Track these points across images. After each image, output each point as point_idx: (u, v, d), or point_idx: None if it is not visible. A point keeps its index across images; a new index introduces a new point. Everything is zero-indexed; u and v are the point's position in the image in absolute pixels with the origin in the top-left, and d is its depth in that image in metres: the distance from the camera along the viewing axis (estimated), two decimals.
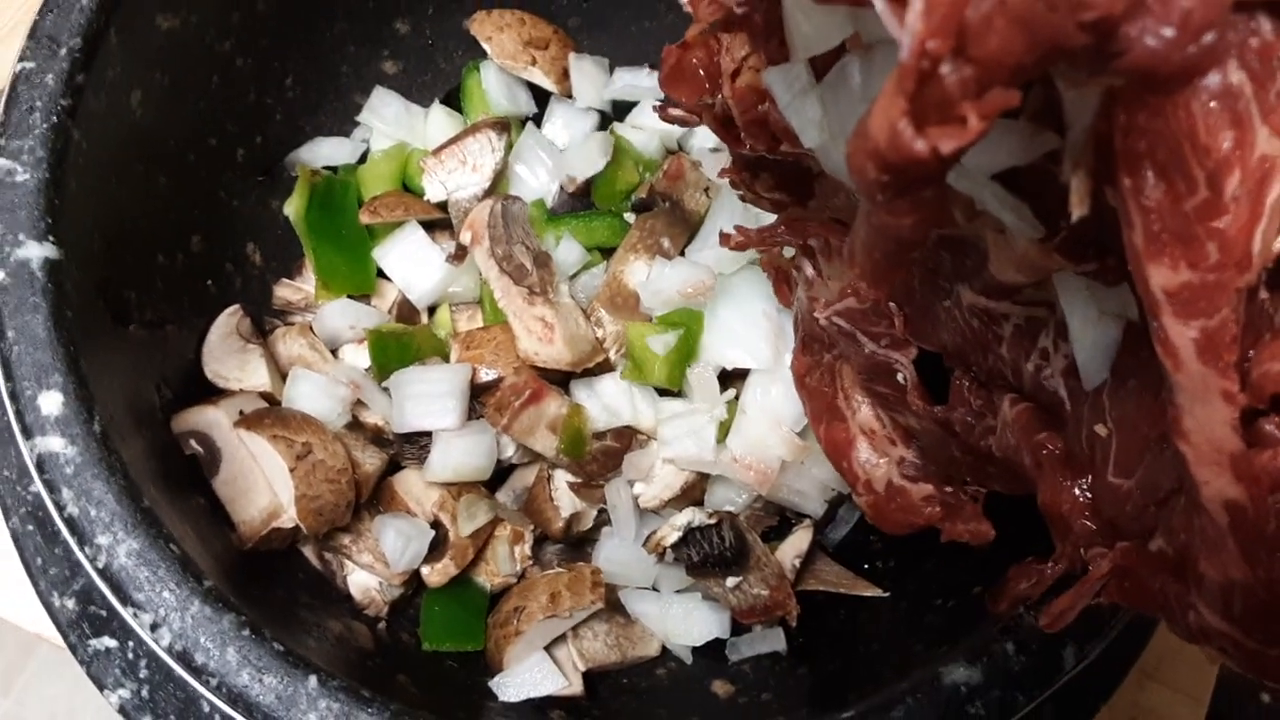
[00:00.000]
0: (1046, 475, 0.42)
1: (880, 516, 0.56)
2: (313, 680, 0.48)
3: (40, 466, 0.51)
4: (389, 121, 0.81)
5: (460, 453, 0.68)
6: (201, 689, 0.49)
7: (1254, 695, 0.96)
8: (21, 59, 0.56)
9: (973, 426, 0.49)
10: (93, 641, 0.55)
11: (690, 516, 0.67)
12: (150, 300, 0.65)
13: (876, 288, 0.34)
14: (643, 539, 0.69)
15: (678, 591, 0.70)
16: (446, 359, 0.72)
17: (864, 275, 0.34)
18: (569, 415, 0.69)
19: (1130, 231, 0.27)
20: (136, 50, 0.61)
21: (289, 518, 0.63)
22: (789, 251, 0.60)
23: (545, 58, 0.83)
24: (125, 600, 0.49)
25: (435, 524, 0.68)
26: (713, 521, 0.67)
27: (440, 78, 0.85)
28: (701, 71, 0.48)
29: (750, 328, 0.70)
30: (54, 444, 0.51)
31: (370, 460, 0.69)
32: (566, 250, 0.75)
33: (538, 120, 0.84)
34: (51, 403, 0.51)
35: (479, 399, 0.70)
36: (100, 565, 0.49)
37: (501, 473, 0.72)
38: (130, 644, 0.54)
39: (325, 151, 0.80)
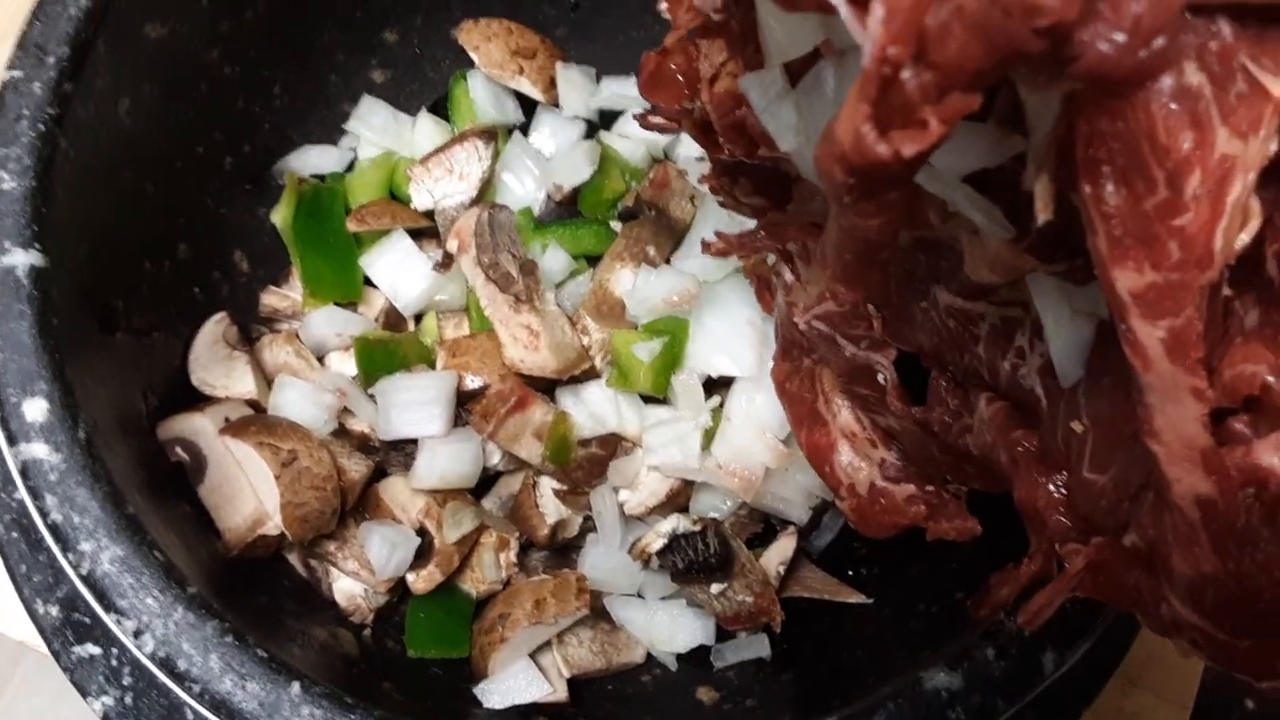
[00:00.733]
0: (1022, 472, 0.43)
1: (863, 520, 0.56)
2: (296, 687, 0.48)
3: (24, 473, 0.51)
4: (376, 130, 0.81)
5: (446, 460, 0.68)
6: (184, 696, 0.49)
7: (1238, 701, 0.97)
8: (9, 67, 0.57)
9: (950, 426, 0.49)
10: (76, 648, 0.55)
11: (675, 523, 0.67)
12: (137, 308, 0.65)
13: (848, 289, 0.35)
14: (628, 546, 0.69)
15: (663, 598, 0.70)
16: (433, 366, 0.72)
17: (835, 277, 0.35)
18: (555, 422, 0.69)
19: (1094, 237, 0.28)
20: (125, 59, 0.61)
21: (274, 525, 0.63)
22: (772, 259, 0.60)
23: (532, 67, 0.83)
24: (109, 607, 0.49)
25: (421, 531, 0.68)
26: (698, 528, 0.67)
27: (428, 87, 0.85)
28: (680, 77, 0.49)
29: (735, 335, 0.71)
30: (38, 451, 0.51)
31: (356, 467, 0.69)
32: (553, 258, 0.76)
33: (525, 129, 0.84)
34: (36, 410, 0.51)
35: (465, 406, 0.70)
36: (84, 572, 0.50)
37: (487, 480, 0.72)
38: (114, 651, 0.54)
39: (313, 160, 0.80)
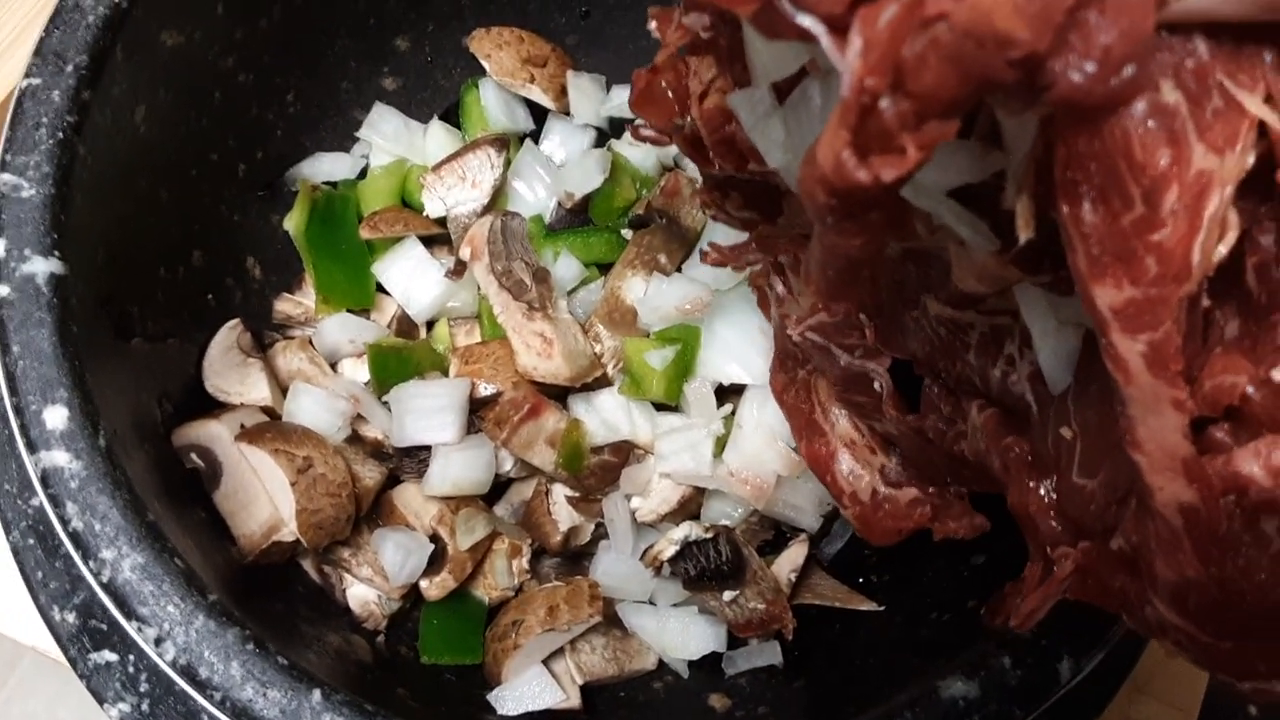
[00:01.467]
0: (1014, 477, 0.44)
1: (868, 527, 0.57)
2: (316, 694, 0.48)
3: (45, 481, 0.51)
4: (388, 137, 0.82)
5: (459, 467, 0.68)
6: (204, 703, 0.49)
7: (1242, 708, 0.97)
8: (28, 75, 0.57)
9: (944, 432, 0.50)
10: (93, 655, 0.55)
11: (687, 530, 0.68)
12: (152, 314, 0.65)
13: (832, 303, 0.36)
14: (640, 553, 0.70)
15: (674, 605, 0.70)
16: (445, 374, 0.73)
17: (819, 292, 0.35)
18: (567, 430, 0.69)
19: (1073, 255, 0.28)
20: (142, 66, 0.61)
21: (289, 531, 0.63)
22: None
23: (543, 75, 0.83)
24: (129, 614, 0.49)
25: (434, 538, 0.69)
26: (709, 536, 0.67)
27: (439, 94, 0.86)
28: (670, 94, 0.49)
29: (747, 343, 0.71)
30: (59, 458, 0.51)
31: (370, 474, 0.69)
32: (564, 266, 0.76)
33: (535, 137, 0.85)
34: (57, 417, 0.51)
35: (478, 413, 0.70)
36: (105, 579, 0.50)
37: (500, 487, 0.73)
38: (131, 658, 0.55)
39: (325, 167, 0.81)
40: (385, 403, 0.70)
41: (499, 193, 0.79)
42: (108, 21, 0.58)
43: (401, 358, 0.72)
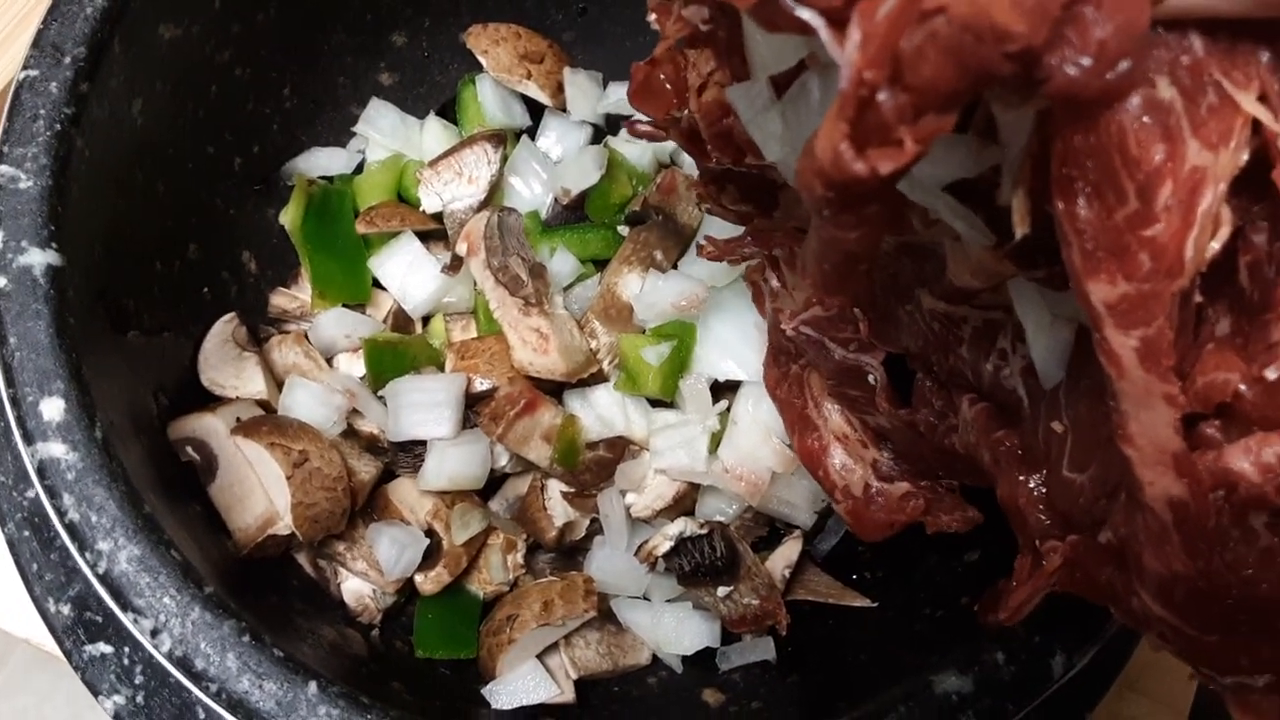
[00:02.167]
0: (1004, 471, 0.44)
1: (860, 522, 0.57)
2: (312, 686, 0.49)
3: (41, 472, 0.51)
4: (385, 133, 0.82)
5: (455, 461, 0.68)
6: (200, 694, 0.49)
7: None
8: (25, 67, 0.57)
9: (936, 426, 0.50)
10: (88, 647, 0.55)
11: (682, 526, 0.68)
12: (148, 307, 0.65)
13: (829, 296, 0.36)
14: (634, 548, 0.70)
15: (669, 601, 0.70)
16: (441, 369, 0.73)
17: (815, 286, 0.36)
18: (563, 425, 0.69)
19: (1068, 250, 0.29)
20: (139, 59, 0.61)
21: (285, 525, 0.63)
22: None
23: (540, 71, 0.83)
24: (125, 606, 0.49)
25: (429, 532, 0.69)
26: (704, 531, 0.68)
27: (436, 90, 0.86)
28: (669, 87, 0.49)
29: (742, 340, 0.71)
30: (55, 450, 0.51)
31: (365, 468, 0.69)
32: (560, 262, 0.76)
33: (532, 133, 0.85)
34: (53, 409, 0.51)
35: (474, 408, 0.70)
36: (101, 571, 0.50)
37: (495, 482, 0.73)
38: (126, 649, 0.55)
39: (322, 161, 0.81)
40: (381, 397, 0.71)
41: (495, 188, 0.79)
42: (106, 14, 0.58)
43: (397, 352, 0.72)
